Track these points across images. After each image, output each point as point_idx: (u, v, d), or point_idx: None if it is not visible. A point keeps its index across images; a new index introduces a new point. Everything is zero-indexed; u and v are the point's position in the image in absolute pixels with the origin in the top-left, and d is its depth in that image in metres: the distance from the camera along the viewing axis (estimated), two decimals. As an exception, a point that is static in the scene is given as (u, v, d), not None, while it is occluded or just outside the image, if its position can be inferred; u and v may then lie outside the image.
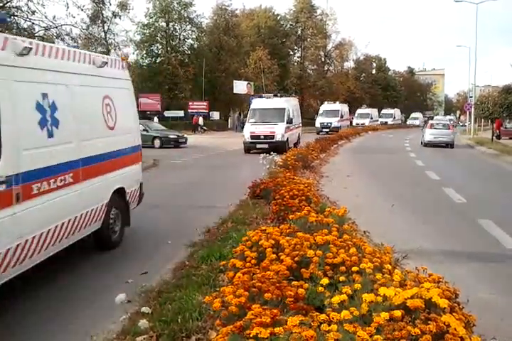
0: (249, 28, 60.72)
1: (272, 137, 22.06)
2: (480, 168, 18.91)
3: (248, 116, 24.65)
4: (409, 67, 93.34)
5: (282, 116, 23.02)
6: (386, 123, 61.55)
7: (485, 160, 22.18)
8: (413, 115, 76.37)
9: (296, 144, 23.77)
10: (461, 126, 66.25)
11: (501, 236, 7.61)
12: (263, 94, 26.24)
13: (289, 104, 24.99)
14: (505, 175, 17.40)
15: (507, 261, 6.56)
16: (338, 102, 48.34)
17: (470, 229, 8.28)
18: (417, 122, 69.73)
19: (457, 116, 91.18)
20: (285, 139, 22.27)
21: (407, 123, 72.31)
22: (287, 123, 22.99)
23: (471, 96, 47.53)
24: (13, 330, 4.42)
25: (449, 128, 29.89)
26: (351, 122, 54.16)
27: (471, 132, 42.73)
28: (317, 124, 44.79)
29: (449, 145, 28.42)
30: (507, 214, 9.30)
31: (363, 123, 53.96)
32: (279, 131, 22.25)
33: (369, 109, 59.92)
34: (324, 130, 41.96)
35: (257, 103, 24.94)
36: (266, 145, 21.09)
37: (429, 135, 28.97)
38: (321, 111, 46.41)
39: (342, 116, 45.10)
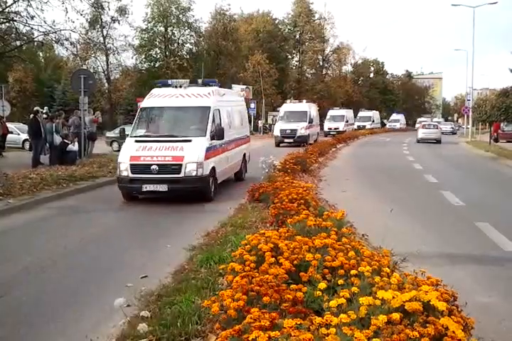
0: (247, 32, 60.86)
1: (178, 169, 10.46)
2: (478, 171, 18.93)
3: (133, 125, 12.37)
4: (407, 71, 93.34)
5: (203, 126, 11.35)
6: (364, 127, 52.93)
7: (483, 163, 22.21)
8: (393, 117, 67.11)
9: (238, 174, 13.96)
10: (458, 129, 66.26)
11: (499, 239, 7.63)
12: (170, 81, 12.99)
13: (221, 99, 12.61)
14: (503, 177, 17.42)
15: (505, 263, 6.58)
16: (305, 101, 34.85)
17: (468, 232, 8.30)
18: (397, 125, 62.60)
19: (455, 119, 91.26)
20: (208, 180, 10.78)
21: (386, 126, 62.77)
22: (213, 138, 11.29)
23: (469, 100, 47.67)
24: (12, 334, 4.43)
25: (437, 128, 39.25)
26: (322, 126, 42.74)
27: (468, 135, 42.80)
28: (276, 132, 30.68)
29: (437, 141, 36.47)
30: (505, 217, 9.33)
31: (337, 128, 44.15)
32: (191, 157, 10.52)
33: (344, 110, 49.38)
34: (286, 140, 29.01)
35: (154, 98, 12.20)
36: (165, 187, 10.40)
37: (421, 133, 37.70)
38: (281, 114, 32.63)
39: (311, 121, 30.73)
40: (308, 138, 29.37)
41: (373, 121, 57.42)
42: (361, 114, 58.23)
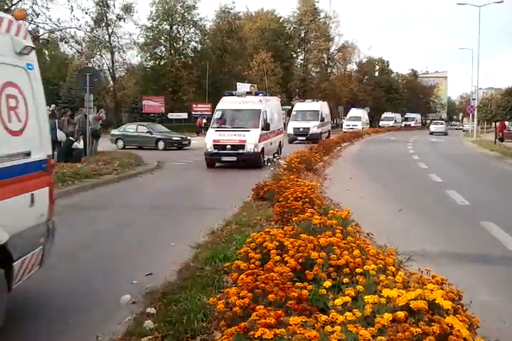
0: (252, 30, 60.87)
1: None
2: (483, 171, 18.87)
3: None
4: (412, 70, 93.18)
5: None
6: (306, 131, 31.50)
7: (488, 163, 22.14)
8: (352, 113, 50.47)
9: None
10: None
11: (505, 239, 7.60)
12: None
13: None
14: (508, 177, 17.36)
15: (510, 263, 6.56)
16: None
17: (473, 231, 8.28)
18: (358, 125, 46.44)
19: (460, 118, 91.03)
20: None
21: (343, 129, 46.06)
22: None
23: (474, 99, 47.57)
24: (18, 330, 4.45)
25: (443, 124, 59.35)
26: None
27: (473, 134, 42.64)
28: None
29: (445, 133, 53.08)
30: (510, 217, 9.28)
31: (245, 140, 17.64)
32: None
33: (272, 99, 21.75)
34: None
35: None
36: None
37: (432, 128, 56.38)
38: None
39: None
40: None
41: (323, 120, 34.35)
42: (300, 106, 35.95)
